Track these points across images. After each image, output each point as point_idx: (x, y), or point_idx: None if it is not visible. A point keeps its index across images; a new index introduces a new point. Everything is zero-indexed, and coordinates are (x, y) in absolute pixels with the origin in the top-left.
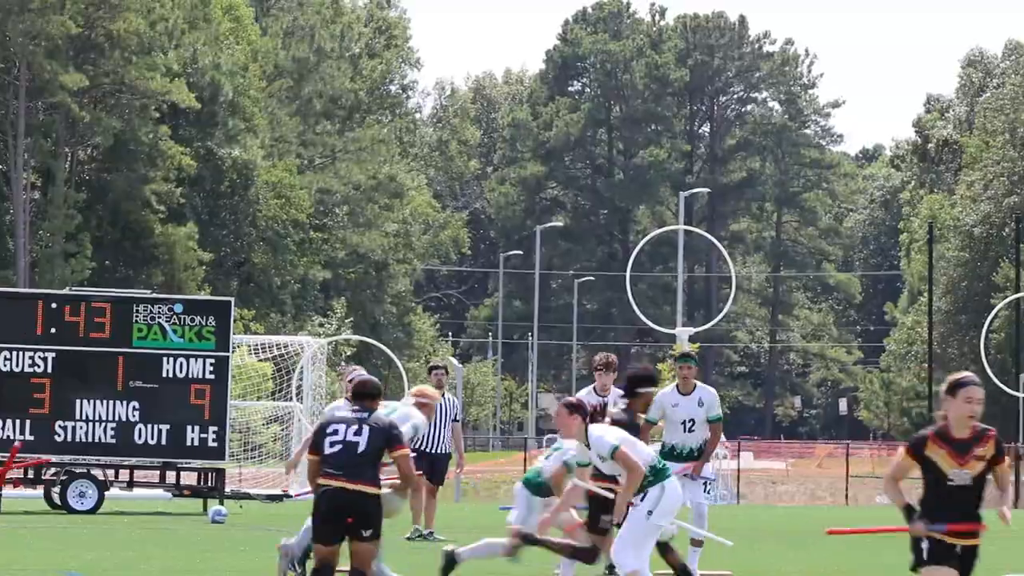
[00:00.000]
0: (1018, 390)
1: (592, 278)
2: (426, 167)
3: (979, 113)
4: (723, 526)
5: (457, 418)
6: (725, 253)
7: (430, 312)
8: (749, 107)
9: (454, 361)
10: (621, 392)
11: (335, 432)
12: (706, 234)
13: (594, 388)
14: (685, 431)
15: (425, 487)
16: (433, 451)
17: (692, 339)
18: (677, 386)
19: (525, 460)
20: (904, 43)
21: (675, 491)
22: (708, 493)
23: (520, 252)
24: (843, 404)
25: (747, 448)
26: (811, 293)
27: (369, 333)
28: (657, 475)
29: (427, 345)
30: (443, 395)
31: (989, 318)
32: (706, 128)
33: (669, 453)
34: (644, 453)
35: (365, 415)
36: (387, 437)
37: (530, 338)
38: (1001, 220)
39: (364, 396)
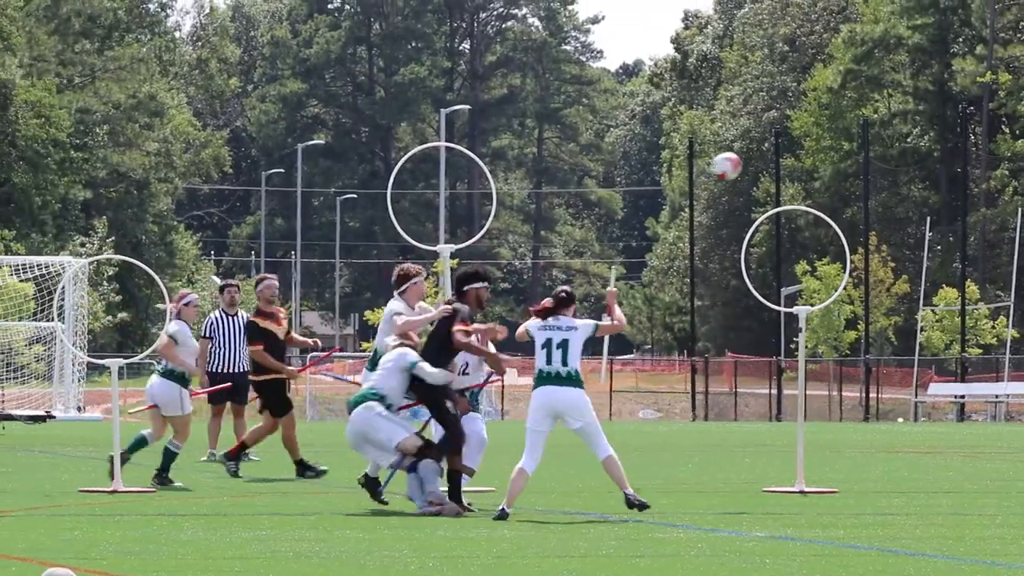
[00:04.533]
0: (779, 304)
1: (354, 196)
2: (186, 86)
3: (737, 28)
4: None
5: None
6: (486, 170)
7: (192, 231)
8: (509, 23)
9: (217, 280)
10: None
11: None
12: (467, 151)
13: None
14: None
15: (233, 408)
16: (232, 371)
17: (454, 256)
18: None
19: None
20: None
21: None
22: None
23: (282, 170)
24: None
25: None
26: (573, 209)
27: (131, 252)
28: None
29: (189, 264)
30: (237, 313)
31: (749, 232)
32: (466, 45)
33: None
34: None
35: None
36: None
37: (293, 256)
38: (760, 135)
39: None
